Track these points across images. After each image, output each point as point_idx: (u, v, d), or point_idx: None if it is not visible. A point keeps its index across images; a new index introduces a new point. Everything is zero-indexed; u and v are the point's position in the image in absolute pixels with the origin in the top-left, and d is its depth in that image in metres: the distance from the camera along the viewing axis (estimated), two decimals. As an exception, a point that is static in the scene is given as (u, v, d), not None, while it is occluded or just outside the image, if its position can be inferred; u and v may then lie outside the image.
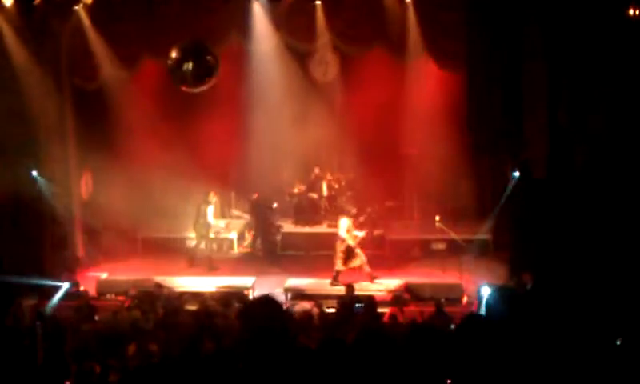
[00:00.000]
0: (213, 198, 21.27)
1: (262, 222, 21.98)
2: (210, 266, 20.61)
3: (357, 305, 16.09)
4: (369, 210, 22.38)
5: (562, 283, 15.67)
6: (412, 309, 16.94)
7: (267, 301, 5.15)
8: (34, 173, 20.16)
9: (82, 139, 21.35)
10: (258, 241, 22.09)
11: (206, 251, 21.01)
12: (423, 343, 5.13)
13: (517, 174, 19.26)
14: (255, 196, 21.94)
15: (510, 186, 19.28)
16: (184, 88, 19.14)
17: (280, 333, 4.81)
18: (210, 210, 21.08)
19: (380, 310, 15.92)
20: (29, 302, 17.86)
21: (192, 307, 16.80)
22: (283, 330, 4.84)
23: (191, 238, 21.68)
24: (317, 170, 22.59)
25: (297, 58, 21.64)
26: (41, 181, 20.33)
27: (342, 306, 16.37)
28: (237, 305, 16.53)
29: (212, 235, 21.36)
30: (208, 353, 9.79)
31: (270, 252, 21.74)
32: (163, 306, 16.37)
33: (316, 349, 6.65)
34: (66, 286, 19.34)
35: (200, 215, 21.01)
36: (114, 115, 21.89)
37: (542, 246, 17.95)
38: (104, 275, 20.51)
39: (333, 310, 16.46)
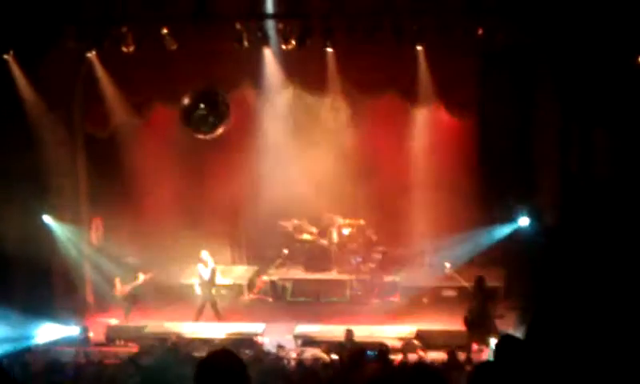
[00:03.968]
0: (206, 257, 20.77)
1: None
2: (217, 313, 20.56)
3: (368, 352, 16.00)
4: (379, 256, 22.32)
5: (571, 334, 15.54)
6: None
7: (228, 357, 4.96)
8: (46, 218, 20.22)
9: (93, 185, 21.45)
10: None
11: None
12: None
13: (528, 221, 19.26)
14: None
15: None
16: (196, 134, 19.28)
17: None
18: (202, 270, 20.66)
19: (391, 357, 15.84)
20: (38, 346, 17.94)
21: (202, 354, 16.72)
22: None
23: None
24: (329, 214, 22.57)
25: (308, 104, 21.70)
26: (52, 226, 20.39)
27: (353, 353, 16.28)
28: (247, 352, 16.52)
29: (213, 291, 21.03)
30: None
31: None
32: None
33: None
34: (71, 330, 19.41)
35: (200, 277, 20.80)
36: (125, 162, 21.92)
37: (552, 294, 17.86)
38: (114, 321, 20.47)
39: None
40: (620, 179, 18.08)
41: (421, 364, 13.56)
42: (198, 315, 20.43)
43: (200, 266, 20.62)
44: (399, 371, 13.78)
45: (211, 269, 20.67)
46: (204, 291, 20.69)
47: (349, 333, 17.53)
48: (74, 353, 17.69)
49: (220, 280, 21.45)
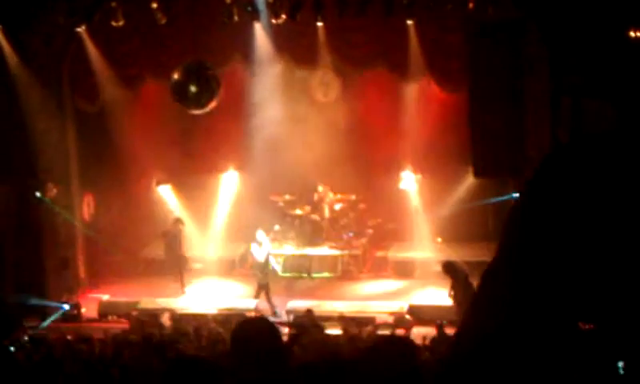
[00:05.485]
0: (261, 237, 20.14)
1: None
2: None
3: None
4: (370, 231, 22.33)
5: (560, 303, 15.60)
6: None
7: (262, 321, 4.97)
8: (37, 194, 20.17)
9: (84, 160, 21.39)
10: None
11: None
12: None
13: (518, 195, 19.26)
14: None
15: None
16: (187, 109, 19.21)
17: (274, 355, 4.68)
18: (256, 250, 19.98)
19: (383, 332, 15.88)
20: (30, 323, 17.93)
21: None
22: (277, 352, 4.70)
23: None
24: (320, 189, 22.49)
25: (298, 78, 21.66)
26: (43, 202, 20.33)
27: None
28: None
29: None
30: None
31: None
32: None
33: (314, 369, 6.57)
34: (65, 307, 19.40)
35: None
36: (115, 136, 21.86)
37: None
38: (106, 297, 20.45)
39: (338, 332, 16.45)
40: (611, 152, 18.08)
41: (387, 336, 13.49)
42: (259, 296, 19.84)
43: (254, 245, 20.08)
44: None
45: (266, 251, 20.00)
46: (257, 273, 20.04)
47: (309, 312, 17.55)
48: (65, 329, 17.68)
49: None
